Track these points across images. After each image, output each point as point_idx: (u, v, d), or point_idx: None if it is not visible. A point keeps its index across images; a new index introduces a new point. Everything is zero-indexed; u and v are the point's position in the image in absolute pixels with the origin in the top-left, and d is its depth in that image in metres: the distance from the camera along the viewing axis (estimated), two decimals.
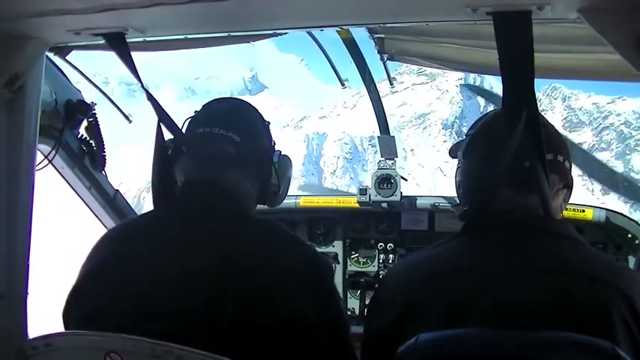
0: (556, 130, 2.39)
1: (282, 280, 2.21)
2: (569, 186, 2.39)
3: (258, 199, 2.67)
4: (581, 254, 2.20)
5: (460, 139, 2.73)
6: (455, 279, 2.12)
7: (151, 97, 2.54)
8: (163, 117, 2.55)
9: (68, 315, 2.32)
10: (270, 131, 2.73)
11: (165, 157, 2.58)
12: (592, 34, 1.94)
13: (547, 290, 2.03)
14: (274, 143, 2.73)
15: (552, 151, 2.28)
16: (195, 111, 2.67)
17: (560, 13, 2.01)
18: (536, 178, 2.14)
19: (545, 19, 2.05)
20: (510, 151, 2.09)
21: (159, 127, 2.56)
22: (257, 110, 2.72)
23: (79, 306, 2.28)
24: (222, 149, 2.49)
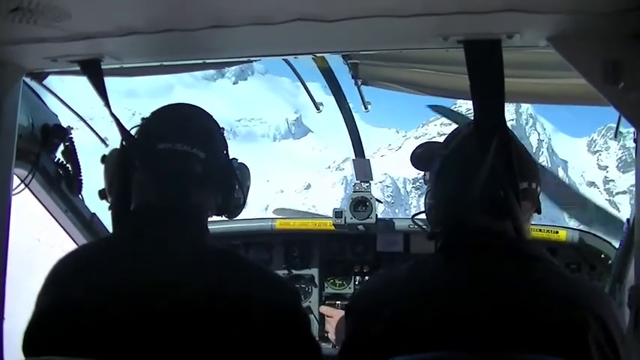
0: (528, 154, 2.38)
1: (250, 309, 2.16)
2: (539, 210, 2.40)
3: (219, 210, 2.57)
4: (555, 276, 2.20)
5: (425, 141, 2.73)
6: (437, 298, 2.12)
7: (114, 117, 2.47)
8: (126, 137, 2.46)
9: (29, 350, 2.19)
10: (225, 137, 2.59)
11: (127, 176, 2.43)
12: (563, 60, 1.99)
13: (522, 313, 2.03)
14: (227, 149, 2.59)
15: (527, 179, 2.27)
16: (143, 118, 2.52)
17: (529, 41, 2.07)
18: (509, 207, 2.13)
19: (515, 47, 2.09)
20: (483, 180, 2.09)
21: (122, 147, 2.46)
22: (211, 116, 2.59)
23: (42, 340, 2.17)
24: (188, 169, 2.37)
